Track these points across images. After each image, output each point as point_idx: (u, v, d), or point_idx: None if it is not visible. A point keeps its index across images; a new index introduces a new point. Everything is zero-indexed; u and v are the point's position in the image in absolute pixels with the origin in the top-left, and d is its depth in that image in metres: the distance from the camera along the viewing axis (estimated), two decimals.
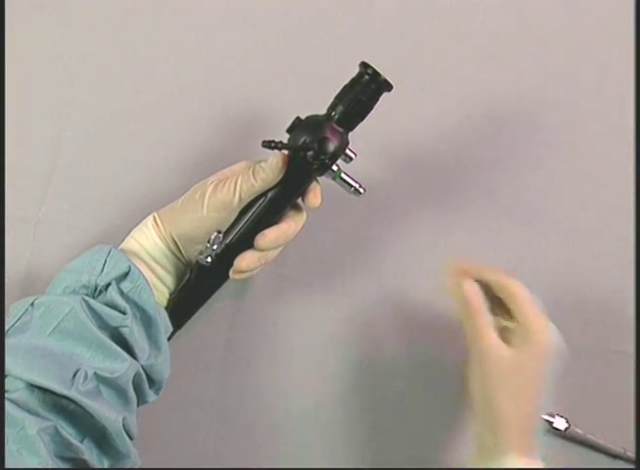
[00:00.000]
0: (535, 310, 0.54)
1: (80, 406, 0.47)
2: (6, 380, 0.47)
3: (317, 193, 0.56)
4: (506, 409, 0.53)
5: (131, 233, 0.57)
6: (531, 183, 0.69)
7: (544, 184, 0.69)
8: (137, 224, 0.57)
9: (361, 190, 0.57)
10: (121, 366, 0.49)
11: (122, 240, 0.56)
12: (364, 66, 0.53)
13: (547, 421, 0.63)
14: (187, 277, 0.58)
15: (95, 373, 0.48)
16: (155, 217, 0.56)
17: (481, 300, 0.55)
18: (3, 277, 0.59)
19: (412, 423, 0.63)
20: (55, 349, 0.48)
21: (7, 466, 0.42)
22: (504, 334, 0.55)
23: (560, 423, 0.63)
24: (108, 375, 0.49)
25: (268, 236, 0.55)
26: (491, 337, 0.54)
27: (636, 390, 0.63)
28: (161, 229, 0.56)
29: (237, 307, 0.64)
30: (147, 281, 0.52)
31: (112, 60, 0.68)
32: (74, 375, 0.47)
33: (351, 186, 0.57)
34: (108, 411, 0.48)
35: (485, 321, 0.54)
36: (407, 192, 0.67)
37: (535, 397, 0.54)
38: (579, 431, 0.63)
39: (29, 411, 0.45)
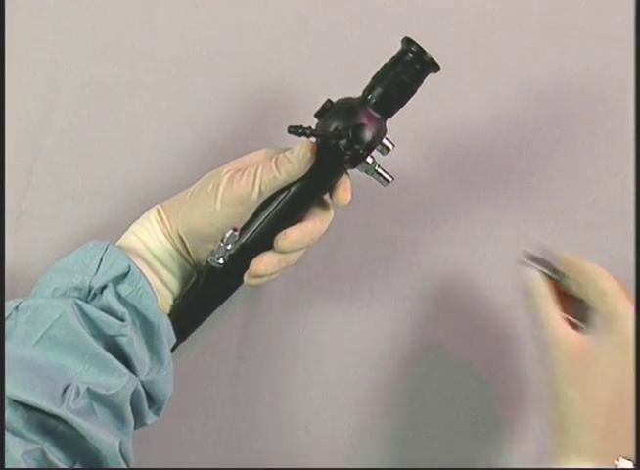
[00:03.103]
0: (619, 293, 0.51)
1: (71, 427, 0.46)
2: None
3: (347, 188, 0.55)
4: (576, 404, 0.50)
5: (130, 228, 0.55)
6: (594, 175, 0.67)
7: (612, 176, 0.67)
8: (137, 218, 0.56)
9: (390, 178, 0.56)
10: (118, 382, 0.48)
11: (120, 236, 0.55)
12: (407, 42, 0.51)
13: None
14: (194, 281, 0.56)
15: (88, 389, 0.47)
16: (159, 210, 0.55)
17: (546, 285, 0.54)
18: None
19: (446, 444, 0.63)
20: (42, 360, 0.47)
21: None
22: (577, 329, 0.53)
23: None
24: (103, 392, 0.47)
25: (291, 236, 0.54)
26: (558, 321, 0.52)
27: (636, 392, 0.61)
28: (167, 224, 0.54)
29: (250, 317, 0.63)
30: (149, 284, 0.51)
31: (106, 27, 0.66)
32: (64, 391, 0.46)
33: (388, 182, 0.55)
34: (102, 433, 0.47)
35: (552, 306, 0.53)
36: (447, 185, 0.66)
37: (616, 395, 0.50)
38: None
39: (12, 432, 0.44)
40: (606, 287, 0.52)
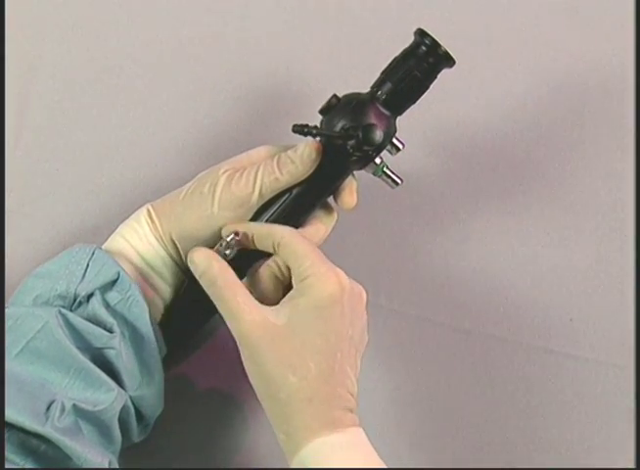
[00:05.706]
0: (312, 253, 0.50)
1: (56, 447, 0.45)
2: None
3: (353, 191, 0.55)
4: (292, 386, 0.48)
5: (118, 230, 0.55)
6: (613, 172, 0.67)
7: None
8: (125, 218, 0.55)
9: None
10: (106, 397, 0.48)
11: (106, 238, 0.55)
12: (421, 34, 0.51)
13: None
14: (186, 288, 0.56)
15: (74, 405, 0.47)
16: (149, 211, 0.54)
17: (222, 264, 0.51)
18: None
19: (449, 445, 0.63)
20: (24, 374, 0.47)
21: None
22: None
23: None
24: (89, 408, 0.47)
25: None
26: (239, 300, 0.49)
27: (636, 391, 0.63)
28: (158, 227, 0.54)
29: None
30: (140, 292, 0.51)
31: (91, 11, 0.66)
32: (48, 407, 0.46)
33: (396, 183, 0.56)
34: (90, 453, 0.46)
35: (230, 289, 0.50)
36: (459, 186, 0.66)
37: (325, 357, 0.48)
38: None
39: None
40: (297, 247, 0.50)
